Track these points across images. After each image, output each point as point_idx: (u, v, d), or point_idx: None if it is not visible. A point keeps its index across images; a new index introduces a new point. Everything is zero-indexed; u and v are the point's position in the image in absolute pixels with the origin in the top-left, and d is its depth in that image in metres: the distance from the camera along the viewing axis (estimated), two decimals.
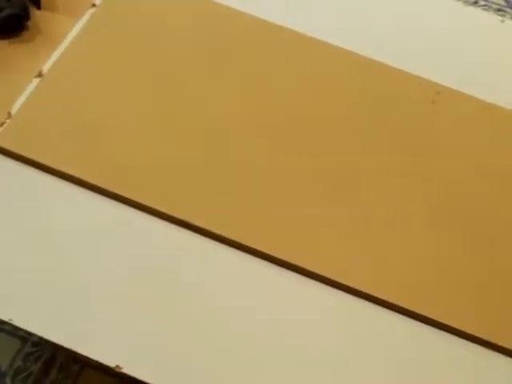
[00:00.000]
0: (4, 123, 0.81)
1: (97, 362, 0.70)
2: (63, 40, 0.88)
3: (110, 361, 0.69)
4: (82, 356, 0.70)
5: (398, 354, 0.73)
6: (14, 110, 0.82)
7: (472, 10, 1.01)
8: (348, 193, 0.80)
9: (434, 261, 0.77)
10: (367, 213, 0.79)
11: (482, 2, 1.68)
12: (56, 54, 0.86)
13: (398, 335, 0.74)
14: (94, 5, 0.90)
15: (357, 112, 0.86)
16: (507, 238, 0.79)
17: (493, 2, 1.68)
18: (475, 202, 0.81)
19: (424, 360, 0.73)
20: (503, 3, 1.68)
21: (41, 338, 0.71)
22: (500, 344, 0.73)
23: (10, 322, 0.69)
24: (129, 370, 0.69)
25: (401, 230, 0.78)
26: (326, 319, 0.74)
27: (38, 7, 0.93)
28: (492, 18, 0.99)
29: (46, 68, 0.85)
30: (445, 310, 0.74)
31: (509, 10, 1.67)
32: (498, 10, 1.67)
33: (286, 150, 0.82)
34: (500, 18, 0.99)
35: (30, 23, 0.91)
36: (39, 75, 0.84)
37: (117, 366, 0.69)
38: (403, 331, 0.74)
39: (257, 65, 0.88)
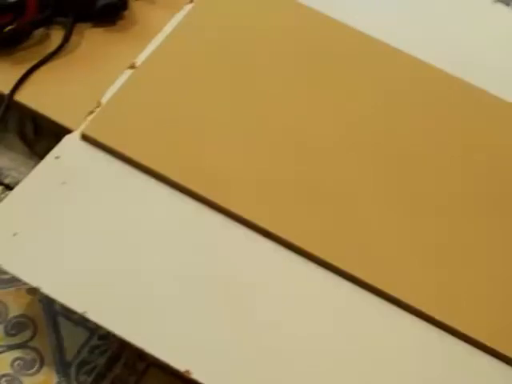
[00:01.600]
0: (93, 112, 0.80)
1: (164, 362, 0.68)
2: (158, 33, 0.87)
3: (179, 364, 0.68)
4: (149, 355, 0.69)
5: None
6: (104, 100, 0.81)
7: None
8: (436, 217, 0.78)
9: None
10: (448, 240, 0.77)
11: None
12: (150, 47, 0.85)
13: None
14: (191, 0, 0.89)
15: (449, 137, 0.84)
16: None
17: None
18: None
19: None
20: None
21: (108, 333, 0.70)
22: None
23: (84, 314, 0.69)
24: (198, 375, 0.68)
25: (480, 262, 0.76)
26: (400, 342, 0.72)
27: None
28: None
29: (139, 60, 0.84)
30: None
31: None
32: None
33: (372, 168, 0.80)
34: None
35: (126, 13, 0.91)
36: (132, 67, 0.84)
37: (186, 371, 0.67)
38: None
39: (346, 73, 0.87)
